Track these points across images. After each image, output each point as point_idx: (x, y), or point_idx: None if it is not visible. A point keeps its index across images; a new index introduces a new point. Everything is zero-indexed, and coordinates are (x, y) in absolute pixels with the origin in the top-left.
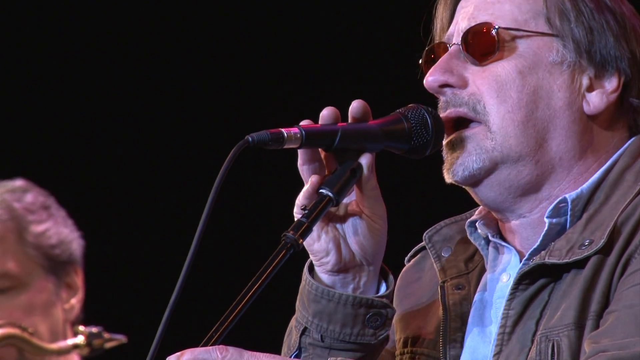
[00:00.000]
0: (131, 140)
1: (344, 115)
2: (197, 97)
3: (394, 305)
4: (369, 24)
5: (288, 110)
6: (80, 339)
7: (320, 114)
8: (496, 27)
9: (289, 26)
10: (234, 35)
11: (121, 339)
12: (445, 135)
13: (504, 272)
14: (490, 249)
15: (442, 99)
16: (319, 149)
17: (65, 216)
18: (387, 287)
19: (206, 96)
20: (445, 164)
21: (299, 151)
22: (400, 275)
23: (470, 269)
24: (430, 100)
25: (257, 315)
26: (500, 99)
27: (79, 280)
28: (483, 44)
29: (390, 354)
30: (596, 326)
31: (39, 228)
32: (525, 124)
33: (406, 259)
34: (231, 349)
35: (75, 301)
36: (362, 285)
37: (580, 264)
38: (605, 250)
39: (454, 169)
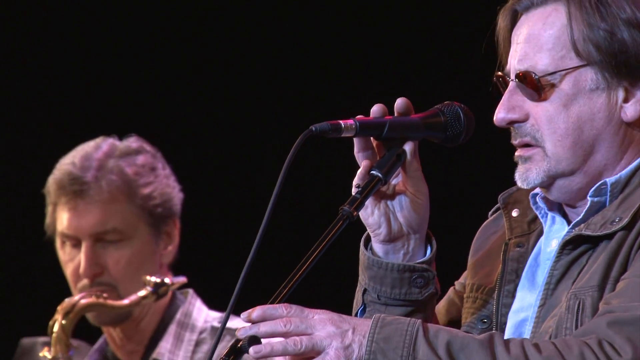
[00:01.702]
0: (216, 131)
1: (391, 111)
2: (269, 94)
3: (471, 253)
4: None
5: (344, 106)
6: (147, 290)
7: (371, 110)
8: (536, 76)
9: (350, 31)
10: (299, 38)
11: (182, 280)
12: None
13: (554, 239)
14: (548, 219)
15: (513, 133)
16: (371, 139)
17: (169, 173)
18: (431, 251)
19: (276, 93)
20: (516, 172)
21: (355, 140)
22: (481, 227)
23: (531, 230)
24: (457, 96)
25: (317, 278)
26: (551, 130)
27: (175, 230)
28: (529, 86)
29: (460, 297)
30: (613, 290)
31: (145, 190)
32: (574, 147)
33: (489, 213)
34: (294, 306)
35: (171, 248)
36: (410, 250)
37: (609, 237)
38: (629, 227)
39: (521, 178)
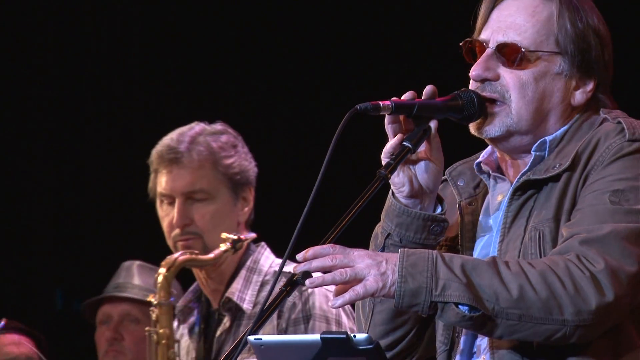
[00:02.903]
0: (272, 112)
1: (420, 94)
2: (318, 77)
3: None
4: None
5: (384, 89)
6: (227, 246)
7: (404, 95)
8: (523, 50)
9: (382, 31)
10: (348, 32)
11: (253, 236)
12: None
13: (500, 194)
14: (491, 180)
15: (479, 84)
16: (399, 116)
17: (247, 151)
18: (442, 208)
19: (327, 80)
20: (475, 123)
21: (387, 116)
22: None
23: (477, 193)
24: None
25: (357, 226)
26: (521, 94)
27: (250, 196)
28: (512, 56)
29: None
30: (568, 220)
31: (227, 161)
32: (534, 113)
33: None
34: (337, 246)
35: (247, 210)
36: (426, 206)
37: (554, 179)
38: (571, 169)
39: (483, 130)
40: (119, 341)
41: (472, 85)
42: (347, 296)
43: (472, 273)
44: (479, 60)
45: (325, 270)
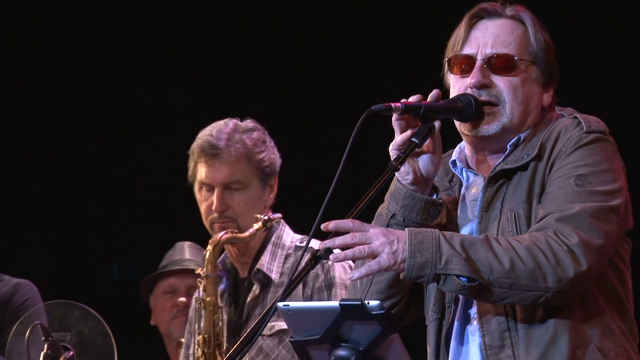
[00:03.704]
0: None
1: (425, 97)
2: (337, 79)
3: None
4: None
5: (394, 92)
6: (259, 225)
7: (411, 97)
8: (516, 58)
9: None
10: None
11: (279, 215)
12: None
13: (474, 186)
14: (464, 174)
15: (476, 90)
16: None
17: (273, 145)
18: (438, 195)
19: (343, 79)
20: (470, 124)
21: (395, 114)
22: None
23: (452, 185)
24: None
25: (372, 208)
26: (513, 96)
27: (275, 183)
28: (505, 65)
29: None
30: (538, 202)
31: (259, 156)
32: (523, 112)
33: None
34: (356, 221)
35: (272, 195)
36: (425, 192)
37: (523, 168)
38: (537, 159)
39: (480, 128)
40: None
41: (469, 91)
42: (363, 270)
43: (470, 249)
44: (474, 71)
45: (345, 247)
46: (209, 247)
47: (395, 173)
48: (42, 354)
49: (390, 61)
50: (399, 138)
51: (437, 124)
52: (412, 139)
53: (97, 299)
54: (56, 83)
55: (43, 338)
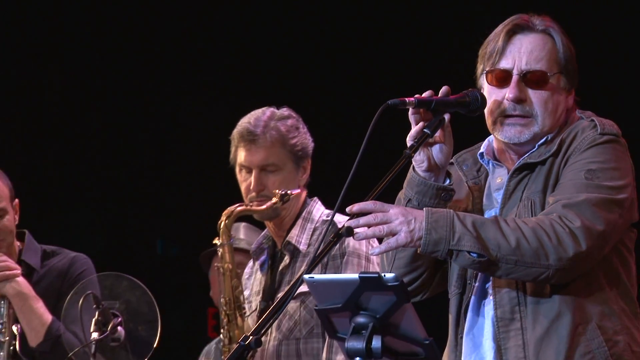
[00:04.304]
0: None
1: (437, 93)
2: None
3: None
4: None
5: (409, 87)
6: (275, 199)
7: (424, 93)
8: (548, 74)
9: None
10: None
11: (298, 191)
12: (509, 117)
13: (499, 177)
14: (490, 166)
15: (512, 105)
16: (420, 110)
17: (306, 130)
18: (450, 181)
19: (361, 76)
20: (503, 131)
21: (410, 108)
22: None
23: (479, 175)
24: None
25: (390, 190)
26: (544, 108)
27: (308, 166)
28: (538, 80)
29: None
30: (552, 192)
31: (292, 141)
32: (553, 119)
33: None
34: (378, 202)
35: (305, 176)
36: (438, 178)
37: (543, 162)
38: (555, 155)
39: (515, 136)
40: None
41: (506, 103)
42: (382, 247)
43: (480, 228)
44: (512, 86)
45: (368, 226)
46: (223, 218)
47: (413, 161)
48: (93, 319)
49: (406, 62)
50: (413, 129)
51: (446, 116)
52: (425, 130)
53: (142, 271)
54: (109, 66)
55: (94, 306)
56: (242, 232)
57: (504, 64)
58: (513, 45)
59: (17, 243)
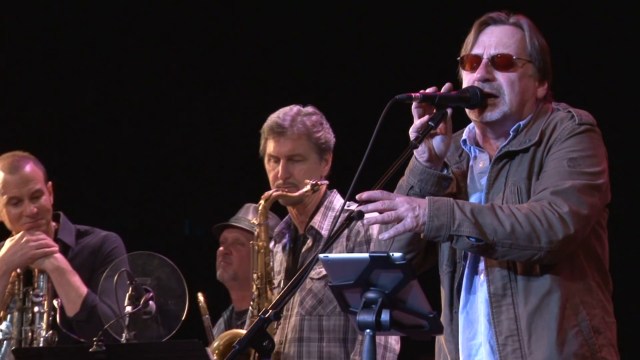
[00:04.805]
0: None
1: (440, 89)
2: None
3: None
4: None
5: (414, 83)
6: (308, 188)
7: (428, 89)
8: (514, 57)
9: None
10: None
11: (326, 182)
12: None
13: (481, 161)
14: (472, 151)
15: (481, 83)
16: (426, 104)
17: (329, 126)
18: (449, 171)
19: (368, 73)
20: (477, 111)
21: (414, 102)
22: None
23: (461, 160)
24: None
25: (394, 180)
26: (511, 88)
27: (330, 157)
28: (505, 63)
29: None
30: (537, 179)
31: (317, 135)
32: (520, 102)
33: None
34: (385, 191)
35: (327, 167)
36: (438, 167)
37: (525, 151)
38: (538, 144)
39: (484, 115)
40: (228, 255)
41: (476, 84)
42: (391, 232)
43: (478, 215)
44: (480, 68)
45: (377, 212)
46: (261, 201)
47: (414, 152)
48: (127, 294)
49: (412, 61)
50: (417, 122)
51: (449, 110)
52: (429, 122)
53: (171, 250)
54: (140, 54)
55: (128, 282)
56: (251, 213)
57: (476, 50)
58: (484, 35)
59: (53, 223)
